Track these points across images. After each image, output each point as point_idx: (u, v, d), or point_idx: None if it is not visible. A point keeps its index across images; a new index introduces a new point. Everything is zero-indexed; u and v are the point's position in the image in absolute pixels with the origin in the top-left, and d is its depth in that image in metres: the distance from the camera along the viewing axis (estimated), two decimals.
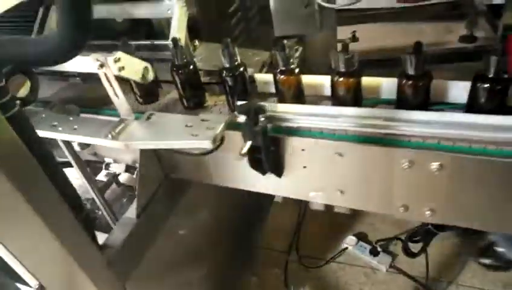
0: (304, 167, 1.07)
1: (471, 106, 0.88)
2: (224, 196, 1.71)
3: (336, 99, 0.98)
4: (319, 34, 2.37)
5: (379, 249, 2.10)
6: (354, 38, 3.02)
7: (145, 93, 1.15)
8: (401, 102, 0.94)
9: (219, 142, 0.98)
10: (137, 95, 1.16)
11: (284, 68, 0.98)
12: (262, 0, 1.86)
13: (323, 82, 1.02)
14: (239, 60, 1.04)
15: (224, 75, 1.04)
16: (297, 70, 0.99)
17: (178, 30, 1.14)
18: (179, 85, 1.08)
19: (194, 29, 1.39)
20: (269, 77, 1.06)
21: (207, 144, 0.94)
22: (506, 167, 0.84)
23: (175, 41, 1.03)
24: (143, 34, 1.35)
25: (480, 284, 1.92)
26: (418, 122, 0.90)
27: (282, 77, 1.00)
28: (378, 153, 0.96)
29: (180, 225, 1.45)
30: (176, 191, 1.39)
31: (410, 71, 0.88)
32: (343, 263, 2.15)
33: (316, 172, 1.08)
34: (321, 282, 2.10)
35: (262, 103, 0.98)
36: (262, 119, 0.96)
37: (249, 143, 0.92)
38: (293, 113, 0.99)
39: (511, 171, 0.83)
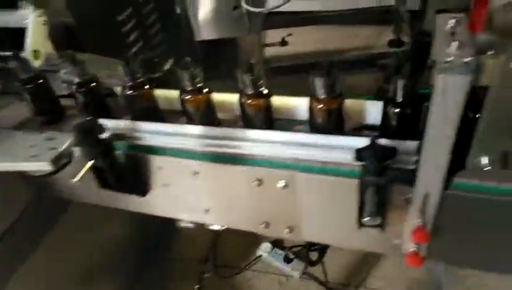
0: (165, 184, 1.03)
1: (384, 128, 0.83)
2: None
3: (245, 121, 0.91)
4: (247, 37, 2.33)
5: (291, 256, 2.09)
6: (284, 43, 3.01)
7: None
8: (312, 124, 0.88)
9: (65, 161, 0.92)
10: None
11: (189, 88, 0.88)
12: (163, 4, 1.79)
13: (233, 101, 0.91)
14: (91, 74, 0.98)
15: (74, 90, 0.98)
16: (205, 90, 0.90)
17: (34, 41, 1.07)
18: (28, 99, 1.01)
19: (72, 40, 1.32)
20: (173, 94, 0.95)
21: (46, 166, 0.88)
22: (346, 186, 0.84)
23: (16, 54, 0.96)
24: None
25: (381, 286, 1.96)
26: (262, 142, 0.88)
27: (187, 97, 0.90)
28: (230, 171, 0.93)
29: (62, 246, 1.38)
30: (54, 210, 1.32)
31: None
32: (257, 270, 2.13)
33: (178, 191, 1.04)
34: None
35: (103, 120, 0.93)
36: (105, 137, 0.91)
37: (87, 165, 0.87)
38: (142, 131, 0.95)
39: (351, 190, 0.83)
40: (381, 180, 0.70)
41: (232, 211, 1.03)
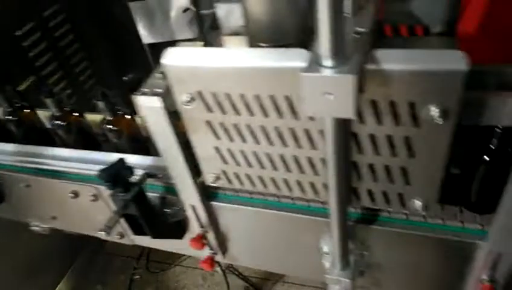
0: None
1: None
2: None
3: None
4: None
5: None
6: None
7: None
8: None
9: None
10: None
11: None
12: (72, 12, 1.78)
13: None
14: None
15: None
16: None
17: None
18: None
19: None
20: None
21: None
22: None
23: None
24: None
25: (299, 281, 2.05)
26: (75, 160, 0.99)
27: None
28: (53, 185, 1.04)
29: None
30: None
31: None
32: (186, 266, 2.24)
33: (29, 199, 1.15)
34: (163, 285, 2.20)
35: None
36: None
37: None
38: None
39: None
40: (127, 196, 0.79)
41: (70, 218, 1.13)
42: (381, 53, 0.51)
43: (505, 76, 0.56)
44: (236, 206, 0.87)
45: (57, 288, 2.05)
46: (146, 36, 1.83)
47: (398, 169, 0.62)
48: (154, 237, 0.88)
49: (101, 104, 0.90)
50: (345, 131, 0.55)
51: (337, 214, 0.66)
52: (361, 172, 0.65)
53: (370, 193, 0.68)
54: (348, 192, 0.69)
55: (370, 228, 0.78)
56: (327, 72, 0.47)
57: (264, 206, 0.85)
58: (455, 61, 0.48)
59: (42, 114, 1.11)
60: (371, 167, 0.64)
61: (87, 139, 1.06)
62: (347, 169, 0.64)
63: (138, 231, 0.88)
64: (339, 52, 0.46)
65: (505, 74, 0.56)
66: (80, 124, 1.05)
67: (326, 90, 0.48)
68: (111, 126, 0.94)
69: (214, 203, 0.89)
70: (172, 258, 2.28)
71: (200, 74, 0.60)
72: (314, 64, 0.48)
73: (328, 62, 0.47)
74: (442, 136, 0.55)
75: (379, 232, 0.79)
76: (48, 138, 1.09)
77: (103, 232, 0.78)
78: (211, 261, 0.99)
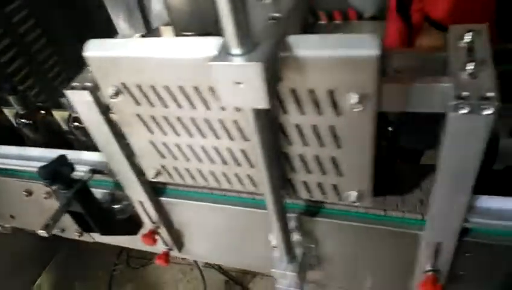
0: None
1: None
2: None
3: None
4: None
5: None
6: None
7: None
8: None
9: None
10: None
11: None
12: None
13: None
14: None
15: None
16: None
17: None
18: None
19: None
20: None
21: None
22: None
23: None
24: None
25: None
26: (15, 157, 0.97)
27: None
28: (5, 184, 1.03)
29: None
30: None
31: None
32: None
33: None
34: (143, 281, 2.19)
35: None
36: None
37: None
38: None
39: None
40: (68, 193, 0.77)
41: (26, 216, 1.12)
42: (295, 39, 0.49)
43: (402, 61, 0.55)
44: (185, 201, 0.86)
45: (35, 285, 2.04)
46: (123, 29, 1.81)
47: (329, 160, 0.61)
48: (103, 233, 0.86)
49: (66, 101, 0.88)
50: (267, 121, 0.53)
51: (274, 206, 0.65)
52: (294, 163, 0.64)
53: (306, 185, 0.67)
54: (282, 184, 0.67)
55: (316, 220, 0.77)
56: (235, 61, 0.45)
57: (212, 201, 0.83)
58: (367, 46, 0.47)
59: (9, 112, 1.09)
60: (302, 158, 0.62)
61: (55, 137, 1.04)
62: (277, 160, 0.63)
63: (86, 228, 0.86)
64: (245, 40, 0.45)
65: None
66: (47, 121, 1.03)
67: (236, 80, 0.46)
68: (77, 123, 0.91)
69: (162, 198, 0.87)
70: (153, 254, 2.26)
71: (121, 65, 0.59)
72: (224, 52, 0.46)
73: (236, 50, 0.45)
74: (364, 125, 0.54)
75: (325, 225, 0.77)
76: (16, 137, 1.07)
77: (43, 231, 0.77)
78: (166, 256, 0.98)
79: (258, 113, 0.52)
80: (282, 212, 0.67)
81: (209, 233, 0.92)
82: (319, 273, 0.87)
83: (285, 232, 0.71)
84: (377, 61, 0.47)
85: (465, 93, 0.48)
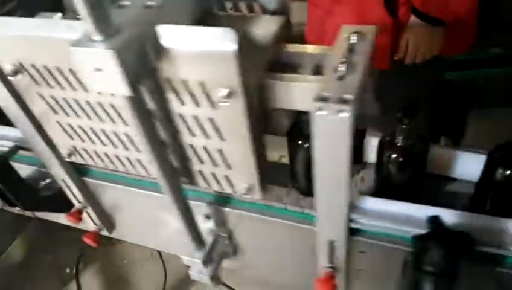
0: None
1: None
2: None
3: None
4: None
5: None
6: None
7: None
8: None
9: None
10: None
11: None
12: None
13: None
14: None
15: None
16: None
17: None
18: None
19: None
20: None
21: None
22: None
23: None
24: None
25: None
26: None
27: None
28: None
29: None
30: None
31: None
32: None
33: None
34: (111, 259, 2.23)
35: None
36: None
37: None
38: None
39: None
40: None
41: None
42: (165, 29, 0.50)
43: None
44: (107, 183, 0.87)
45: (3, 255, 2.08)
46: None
47: (216, 152, 0.61)
48: (26, 209, 0.88)
49: None
50: (142, 107, 0.54)
51: (170, 193, 0.65)
52: (187, 153, 0.64)
53: (202, 175, 0.67)
54: (182, 172, 0.68)
55: (225, 210, 0.78)
56: (94, 47, 0.45)
57: (130, 185, 0.85)
58: (226, 41, 0.47)
59: None
60: (193, 148, 0.63)
61: None
62: (161, 147, 0.63)
63: (10, 203, 0.87)
64: (105, 26, 0.45)
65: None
66: None
67: (96, 66, 0.47)
68: None
69: (86, 179, 0.88)
70: None
71: (13, 44, 0.59)
72: (87, 38, 0.47)
73: (97, 37, 0.46)
74: (238, 119, 0.54)
75: (235, 215, 0.78)
76: None
77: None
78: (94, 236, 1.00)
79: (130, 100, 0.52)
80: (180, 199, 0.68)
81: (132, 215, 0.94)
82: (234, 262, 0.89)
83: (188, 219, 0.72)
84: (235, 56, 0.47)
85: (326, 95, 0.49)
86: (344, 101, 0.48)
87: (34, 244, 2.22)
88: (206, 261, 0.79)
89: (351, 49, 0.54)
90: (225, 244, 0.84)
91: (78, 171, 0.87)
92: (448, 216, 0.60)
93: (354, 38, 0.55)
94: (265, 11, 0.64)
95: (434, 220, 0.53)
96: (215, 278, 0.84)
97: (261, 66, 0.55)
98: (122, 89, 0.48)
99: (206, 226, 0.82)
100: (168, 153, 0.65)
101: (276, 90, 0.55)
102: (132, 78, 0.47)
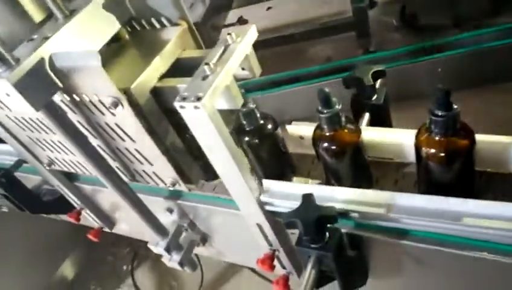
0: None
1: None
2: None
3: None
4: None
5: None
6: (242, 21, 3.15)
7: None
8: None
9: None
10: None
11: None
12: None
13: None
14: None
15: None
16: None
17: None
18: None
19: None
20: None
21: None
22: None
23: None
24: None
25: None
26: None
27: None
28: None
29: None
30: None
31: None
32: None
33: None
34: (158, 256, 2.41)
35: None
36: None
37: None
38: None
39: None
40: None
41: None
42: (54, 55, 0.59)
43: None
44: (93, 186, 1.00)
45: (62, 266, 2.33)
46: None
47: (136, 152, 0.70)
48: (33, 213, 1.04)
49: None
50: (60, 118, 0.64)
51: (116, 189, 0.76)
52: (119, 154, 0.74)
53: (137, 172, 0.77)
54: (112, 170, 0.77)
55: (181, 203, 0.87)
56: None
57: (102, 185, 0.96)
58: (91, 58, 0.55)
59: None
60: (119, 150, 0.72)
61: None
62: (94, 150, 0.73)
63: (19, 208, 1.04)
64: (5, 60, 0.56)
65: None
66: None
67: (5, 92, 0.58)
68: None
69: (78, 184, 1.02)
70: None
71: None
72: None
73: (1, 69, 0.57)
74: (134, 123, 0.62)
75: (190, 207, 0.87)
76: None
77: None
78: (96, 233, 1.13)
79: (48, 115, 0.63)
80: (127, 195, 0.78)
81: (120, 212, 1.06)
82: (206, 249, 0.97)
83: (143, 212, 0.83)
84: (100, 70, 0.55)
85: (185, 94, 0.55)
86: (198, 98, 0.54)
87: (94, 246, 2.48)
88: (168, 249, 0.88)
89: (226, 49, 0.60)
90: (191, 233, 0.93)
91: (69, 177, 1.00)
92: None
93: (229, 39, 0.61)
94: (171, 23, 0.71)
95: (306, 196, 0.57)
96: (186, 264, 0.93)
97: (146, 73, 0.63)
98: (29, 109, 0.59)
99: (172, 218, 0.91)
100: (106, 155, 0.75)
101: (165, 93, 0.63)
102: (38, 98, 0.58)
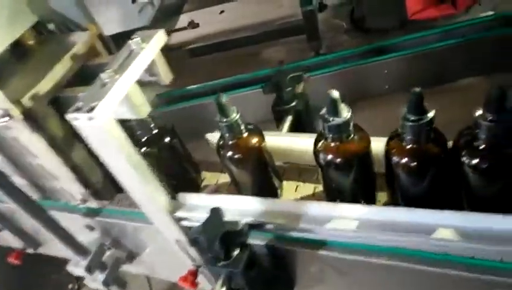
0: None
1: None
2: None
3: None
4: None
5: None
6: (194, 25, 3.10)
7: None
8: None
9: None
10: None
11: None
12: None
13: None
14: None
15: None
16: None
17: None
18: None
19: None
20: None
21: None
22: None
23: None
24: None
25: None
26: None
27: None
28: None
29: None
30: None
31: None
32: None
33: None
34: None
35: None
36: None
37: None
38: None
39: None
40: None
41: None
42: None
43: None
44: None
45: None
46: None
47: (39, 167, 0.65)
48: None
49: None
50: None
51: (24, 209, 0.71)
52: (27, 171, 0.69)
53: (45, 188, 0.71)
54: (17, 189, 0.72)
55: (101, 220, 0.81)
56: None
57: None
58: None
59: None
60: (25, 166, 0.67)
61: None
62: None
63: None
64: None
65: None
66: None
67: None
68: None
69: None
70: None
71: None
72: None
73: None
74: (28, 136, 0.58)
75: (111, 224, 0.81)
76: None
77: None
78: (17, 255, 1.06)
79: None
80: (37, 212, 0.72)
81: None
82: (134, 266, 0.92)
83: (55, 229, 0.77)
84: None
85: (80, 104, 0.51)
86: (92, 109, 0.50)
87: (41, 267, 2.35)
88: (90, 269, 0.82)
89: (129, 55, 0.56)
90: (116, 251, 0.88)
91: None
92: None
93: (133, 44, 0.57)
94: (80, 28, 0.67)
95: (213, 210, 0.54)
96: (111, 284, 0.87)
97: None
98: None
99: (92, 236, 0.86)
100: (10, 171, 0.69)
101: (67, 103, 0.58)
102: None
